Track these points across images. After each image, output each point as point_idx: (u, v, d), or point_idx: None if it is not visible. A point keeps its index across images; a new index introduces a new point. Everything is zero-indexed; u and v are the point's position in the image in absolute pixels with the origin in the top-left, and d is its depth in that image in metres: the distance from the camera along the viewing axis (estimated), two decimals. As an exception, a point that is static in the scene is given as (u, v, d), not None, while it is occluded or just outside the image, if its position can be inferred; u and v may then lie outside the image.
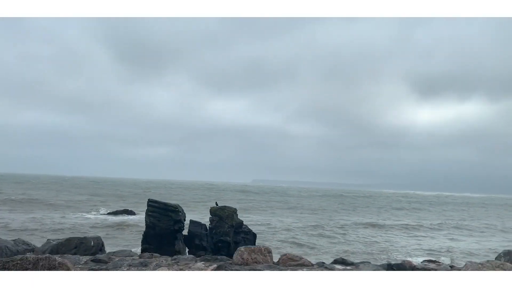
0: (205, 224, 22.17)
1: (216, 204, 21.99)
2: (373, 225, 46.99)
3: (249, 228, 22.12)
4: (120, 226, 35.71)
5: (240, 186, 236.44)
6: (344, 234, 38.78)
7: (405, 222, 52.26)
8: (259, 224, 42.46)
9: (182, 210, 22.23)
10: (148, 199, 22.51)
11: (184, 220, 22.46)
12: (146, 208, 22.15)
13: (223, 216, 20.78)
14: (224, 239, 20.18)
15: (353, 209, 75.60)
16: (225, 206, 21.77)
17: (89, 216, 45.39)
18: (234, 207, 22.94)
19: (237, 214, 21.43)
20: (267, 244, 29.68)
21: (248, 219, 47.87)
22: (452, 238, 39.67)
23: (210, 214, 21.44)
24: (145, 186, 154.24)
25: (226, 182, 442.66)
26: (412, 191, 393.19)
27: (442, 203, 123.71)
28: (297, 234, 36.15)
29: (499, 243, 36.32)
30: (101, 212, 49.86)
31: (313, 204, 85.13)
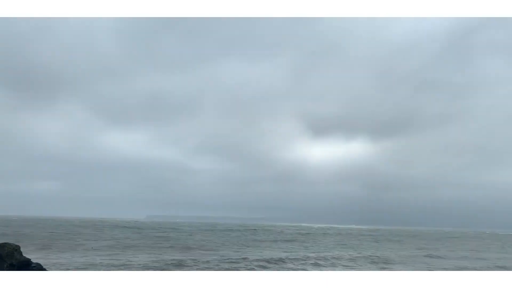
0: (-13, 265, 19.62)
1: (-3, 241, 19.77)
2: (224, 260, 47.08)
3: (42, 267, 20.13)
4: None
5: (128, 222, 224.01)
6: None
7: (264, 255, 53.46)
8: (92, 264, 39.64)
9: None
10: None
11: (-35, 261, 19.60)
12: None
13: (3, 254, 18.62)
14: (0, 280, 17.96)
15: (222, 243, 75.58)
16: (5, 243, 19.59)
17: None
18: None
19: (20, 252, 19.42)
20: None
21: (89, 258, 44.73)
22: (286, 270, 41.25)
23: (-10, 253, 19.10)
24: (12, 224, 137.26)
25: (117, 219, 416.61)
26: (304, 224, 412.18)
27: (320, 234, 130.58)
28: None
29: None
30: None
31: (189, 240, 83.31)
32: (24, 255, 30.89)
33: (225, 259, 47.35)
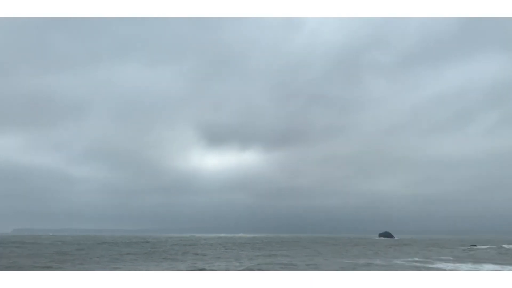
0: None
1: None
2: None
3: None
4: None
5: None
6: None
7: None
8: None
9: None
10: None
11: None
12: None
13: None
14: None
15: (82, 260, 61.98)
16: None
17: None
18: None
19: None
20: None
21: None
22: None
23: None
24: None
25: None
26: (197, 234, 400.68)
27: (197, 245, 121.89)
28: None
29: None
30: None
31: (30, 255, 67.52)
32: None
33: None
